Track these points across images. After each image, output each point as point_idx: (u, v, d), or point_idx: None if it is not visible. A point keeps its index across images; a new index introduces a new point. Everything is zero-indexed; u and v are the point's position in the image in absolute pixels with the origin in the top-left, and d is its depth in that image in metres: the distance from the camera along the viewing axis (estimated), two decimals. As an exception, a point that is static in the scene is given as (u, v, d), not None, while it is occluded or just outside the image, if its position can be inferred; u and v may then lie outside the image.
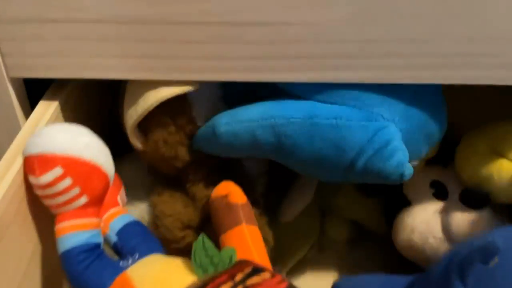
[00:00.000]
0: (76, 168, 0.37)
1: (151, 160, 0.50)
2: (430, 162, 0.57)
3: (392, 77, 0.42)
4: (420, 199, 0.56)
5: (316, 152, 0.43)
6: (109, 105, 0.55)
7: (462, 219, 0.52)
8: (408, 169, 0.41)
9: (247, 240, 0.42)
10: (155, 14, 0.39)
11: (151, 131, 0.47)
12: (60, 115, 0.45)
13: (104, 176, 0.40)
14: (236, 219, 0.43)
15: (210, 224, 0.47)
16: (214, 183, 0.48)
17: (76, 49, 0.41)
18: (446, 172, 0.57)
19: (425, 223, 0.54)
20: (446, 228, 0.53)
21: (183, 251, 0.46)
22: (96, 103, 0.55)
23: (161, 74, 0.43)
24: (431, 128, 0.46)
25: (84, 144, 0.38)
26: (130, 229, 0.45)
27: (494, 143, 0.51)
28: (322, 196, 0.61)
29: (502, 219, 0.52)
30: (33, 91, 0.47)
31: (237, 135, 0.44)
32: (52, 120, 0.44)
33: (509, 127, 0.52)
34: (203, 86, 0.45)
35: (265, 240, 0.46)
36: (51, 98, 0.45)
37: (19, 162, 0.38)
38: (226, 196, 0.44)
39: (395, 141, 0.41)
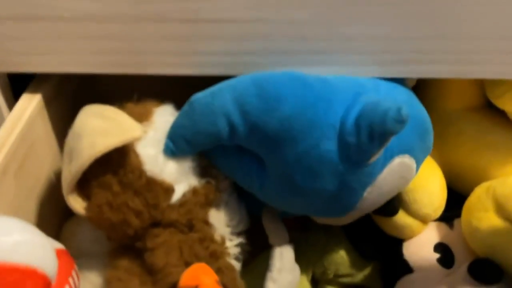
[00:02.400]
0: (2, 277, 0.30)
1: (98, 227, 0.43)
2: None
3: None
4: (423, 266, 0.50)
5: (304, 106, 0.40)
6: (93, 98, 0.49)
7: (471, 294, 0.45)
8: (404, 110, 0.37)
9: None
10: (129, 12, 0.41)
11: (93, 193, 0.41)
12: (44, 108, 0.46)
13: (41, 278, 0.32)
14: None
15: None
16: (177, 248, 0.42)
17: (55, 46, 0.43)
18: (452, 234, 0.51)
19: (428, 295, 0.47)
20: (452, 304, 0.46)
21: None
22: (78, 96, 0.52)
23: (134, 69, 0.45)
24: (421, 120, 0.44)
25: (12, 244, 0.31)
26: None
27: (500, 205, 0.45)
28: (316, 262, 0.55)
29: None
30: (17, 84, 0.48)
31: (215, 96, 0.41)
32: (36, 112, 0.45)
33: None
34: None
35: None
36: (34, 91, 0.46)
37: (2, 155, 0.39)
38: None
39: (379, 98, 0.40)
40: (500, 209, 0.45)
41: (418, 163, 0.45)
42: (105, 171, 0.40)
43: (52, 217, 0.47)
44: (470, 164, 0.52)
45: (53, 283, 0.34)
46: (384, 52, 0.42)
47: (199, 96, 0.41)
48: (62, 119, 0.48)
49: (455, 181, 0.52)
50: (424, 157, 0.46)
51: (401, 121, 0.36)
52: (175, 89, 0.45)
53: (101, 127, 0.38)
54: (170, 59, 0.44)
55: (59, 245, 0.39)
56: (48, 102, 0.47)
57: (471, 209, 0.48)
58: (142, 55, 0.43)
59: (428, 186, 0.49)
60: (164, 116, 0.44)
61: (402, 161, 0.43)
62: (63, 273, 0.39)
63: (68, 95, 0.52)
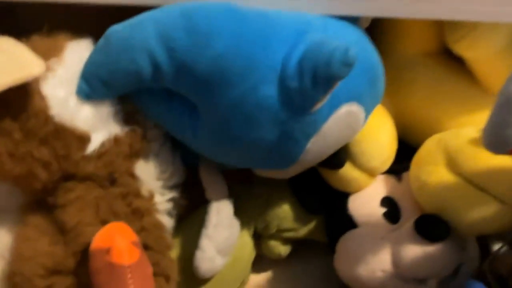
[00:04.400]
0: None
1: (1, 179, 0.37)
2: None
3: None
4: (368, 221, 0.47)
5: (239, 44, 0.35)
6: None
7: (416, 252, 0.43)
8: (352, 51, 0.33)
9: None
10: None
11: None
12: None
13: None
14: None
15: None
16: (93, 205, 0.37)
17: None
18: (400, 187, 0.48)
19: (372, 252, 0.45)
20: (396, 261, 0.44)
21: None
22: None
23: None
24: (372, 65, 0.40)
25: None
26: None
27: (452, 159, 0.42)
28: (259, 216, 0.51)
29: (462, 254, 0.44)
30: None
31: (135, 29, 0.35)
32: None
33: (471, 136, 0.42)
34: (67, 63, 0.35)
35: (166, 277, 0.39)
36: None
37: None
38: (108, 252, 0.34)
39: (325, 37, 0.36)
40: (451, 163, 0.42)
41: (367, 112, 0.41)
42: (3, 114, 0.34)
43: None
44: (423, 114, 0.49)
45: None
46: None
47: (117, 29, 0.35)
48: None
49: (406, 132, 0.49)
50: (374, 105, 0.43)
51: (348, 63, 0.33)
52: (99, 23, 0.37)
53: None
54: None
55: None
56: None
57: (421, 163, 0.45)
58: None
59: (378, 137, 0.46)
60: (77, 52, 0.38)
61: (350, 109, 0.39)
62: None
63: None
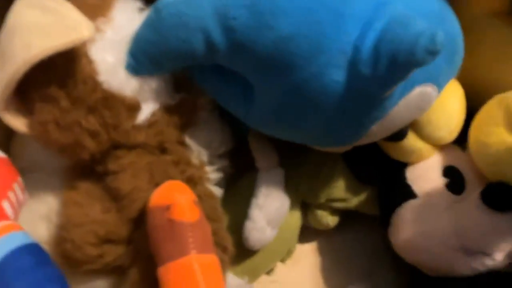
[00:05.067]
0: None
1: (46, 148, 0.36)
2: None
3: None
4: (428, 191, 0.44)
5: (307, 23, 0.31)
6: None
7: (483, 223, 0.40)
8: (440, 36, 0.29)
9: (197, 279, 0.32)
10: None
11: (35, 107, 0.33)
12: None
13: None
14: (182, 247, 0.32)
15: (144, 236, 0.35)
16: (147, 170, 0.36)
17: None
18: (465, 157, 0.45)
19: (434, 224, 0.42)
20: (460, 233, 0.41)
21: (102, 272, 0.37)
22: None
23: None
24: (452, 38, 0.36)
25: None
26: (13, 265, 0.30)
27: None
28: (308, 184, 0.49)
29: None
30: None
31: (191, 4, 0.32)
32: None
33: None
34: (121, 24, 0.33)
35: (223, 247, 0.38)
36: None
37: None
38: (168, 209, 0.33)
39: (409, 12, 0.31)
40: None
41: (441, 88, 0.38)
42: (49, 81, 0.32)
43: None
44: (492, 76, 0.45)
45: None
46: None
47: (168, 2, 0.32)
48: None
49: (473, 97, 0.45)
50: (449, 80, 0.39)
51: (434, 51, 0.28)
52: None
53: (39, 23, 0.30)
54: None
55: None
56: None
57: (480, 123, 0.42)
58: None
59: (446, 105, 0.42)
60: (127, 11, 0.35)
61: (423, 90, 0.35)
62: (0, 186, 0.33)
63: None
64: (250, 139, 0.45)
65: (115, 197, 0.36)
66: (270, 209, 0.44)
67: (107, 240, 0.36)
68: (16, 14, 0.32)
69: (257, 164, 0.45)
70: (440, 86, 0.37)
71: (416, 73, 0.32)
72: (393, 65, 0.30)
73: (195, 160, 0.39)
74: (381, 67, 0.30)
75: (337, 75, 0.32)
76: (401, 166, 0.46)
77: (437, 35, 0.28)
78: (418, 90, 0.35)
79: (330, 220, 0.51)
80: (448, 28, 0.35)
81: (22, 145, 0.40)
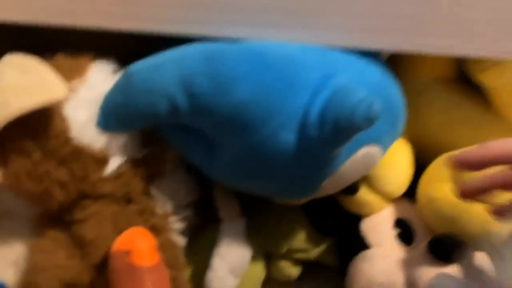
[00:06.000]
0: None
1: (18, 196, 0.38)
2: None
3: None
4: (381, 242, 0.47)
5: (262, 91, 0.34)
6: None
7: (431, 274, 0.43)
8: (376, 105, 0.32)
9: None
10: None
11: (9, 158, 0.35)
12: None
13: None
14: None
15: (105, 282, 0.36)
16: (111, 219, 0.38)
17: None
18: (414, 210, 0.48)
19: (385, 274, 0.45)
20: (411, 284, 0.44)
21: None
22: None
23: (66, 19, 0.36)
24: (393, 105, 0.39)
25: None
26: None
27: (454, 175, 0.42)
28: (270, 236, 0.51)
29: (479, 274, 0.43)
30: None
31: (157, 71, 0.35)
32: None
33: None
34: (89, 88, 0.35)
35: None
36: None
37: None
38: (129, 254, 0.35)
39: (351, 83, 0.35)
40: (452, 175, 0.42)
41: (385, 149, 0.41)
42: (23, 134, 0.35)
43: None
44: (439, 138, 0.49)
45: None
46: (358, 19, 0.36)
47: (137, 69, 0.35)
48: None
49: (421, 155, 0.49)
50: (392, 142, 0.42)
51: (371, 118, 0.32)
52: (128, 44, 0.38)
53: (18, 84, 0.33)
54: (107, 8, 0.36)
55: None
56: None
57: (428, 179, 0.45)
58: (75, 3, 0.36)
59: (395, 162, 0.46)
60: (102, 73, 0.38)
61: (368, 151, 0.39)
62: None
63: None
64: (214, 189, 0.47)
65: (79, 244, 0.38)
66: (231, 258, 0.46)
67: (70, 285, 0.37)
68: None
69: (220, 214, 0.47)
70: (384, 146, 0.40)
71: (361, 135, 0.35)
72: (336, 129, 0.33)
73: (159, 210, 0.41)
74: (326, 130, 0.33)
75: (289, 136, 0.35)
76: (357, 219, 0.49)
77: (374, 103, 0.32)
78: (363, 150, 0.38)
79: (292, 271, 0.53)
80: (389, 96, 0.39)
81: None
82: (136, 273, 0.34)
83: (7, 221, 0.40)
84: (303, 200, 0.44)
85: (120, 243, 0.36)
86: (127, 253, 0.34)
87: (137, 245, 0.35)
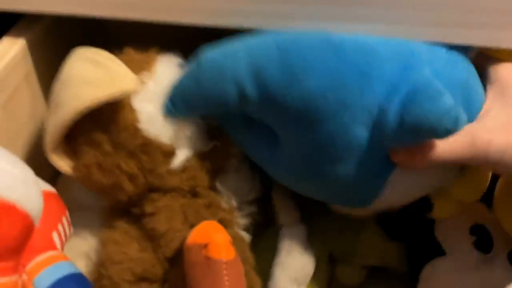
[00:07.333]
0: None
1: (88, 189, 0.38)
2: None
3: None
4: (456, 248, 0.44)
5: (335, 82, 0.33)
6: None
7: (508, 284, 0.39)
8: (463, 117, 0.31)
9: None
10: None
11: (80, 151, 0.36)
12: (28, 53, 0.41)
13: (21, 216, 0.28)
14: (217, 284, 0.33)
15: (178, 275, 0.36)
16: (181, 212, 0.37)
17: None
18: (491, 216, 0.45)
19: (462, 282, 0.42)
20: (489, 294, 0.41)
21: None
22: (69, 45, 0.46)
23: (139, 14, 0.37)
24: (473, 105, 0.36)
25: None
26: None
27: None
28: (335, 241, 0.49)
29: None
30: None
31: (228, 58, 0.34)
32: (19, 58, 0.39)
33: None
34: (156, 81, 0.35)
35: None
36: (17, 34, 0.41)
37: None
38: (205, 247, 0.34)
39: (437, 82, 0.32)
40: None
41: None
42: (94, 127, 0.35)
43: (45, 168, 0.40)
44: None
45: (37, 225, 0.30)
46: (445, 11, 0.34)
47: (209, 56, 0.35)
48: (51, 66, 0.42)
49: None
50: None
51: (455, 130, 0.31)
52: (191, 37, 0.38)
53: (90, 76, 0.33)
54: (183, 4, 0.37)
55: (48, 187, 0.36)
56: (34, 48, 0.41)
57: (505, 185, 0.42)
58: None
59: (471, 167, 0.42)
60: (168, 67, 0.38)
61: None
62: (51, 218, 0.35)
63: (60, 41, 0.45)
64: (273, 194, 0.46)
65: (151, 237, 0.38)
66: (294, 267, 0.44)
67: (143, 278, 0.37)
68: (70, 67, 0.35)
69: (278, 220, 0.45)
70: None
71: None
72: (415, 134, 0.31)
73: (225, 205, 0.40)
74: (404, 132, 0.32)
75: (362, 131, 0.33)
76: (430, 222, 0.46)
77: (460, 117, 0.30)
78: None
79: (357, 275, 0.50)
80: (470, 96, 0.36)
81: (66, 185, 0.42)
82: (213, 267, 0.33)
83: (78, 212, 0.40)
84: (364, 211, 0.42)
85: (196, 236, 0.35)
86: (204, 246, 0.34)
87: (213, 239, 0.34)
